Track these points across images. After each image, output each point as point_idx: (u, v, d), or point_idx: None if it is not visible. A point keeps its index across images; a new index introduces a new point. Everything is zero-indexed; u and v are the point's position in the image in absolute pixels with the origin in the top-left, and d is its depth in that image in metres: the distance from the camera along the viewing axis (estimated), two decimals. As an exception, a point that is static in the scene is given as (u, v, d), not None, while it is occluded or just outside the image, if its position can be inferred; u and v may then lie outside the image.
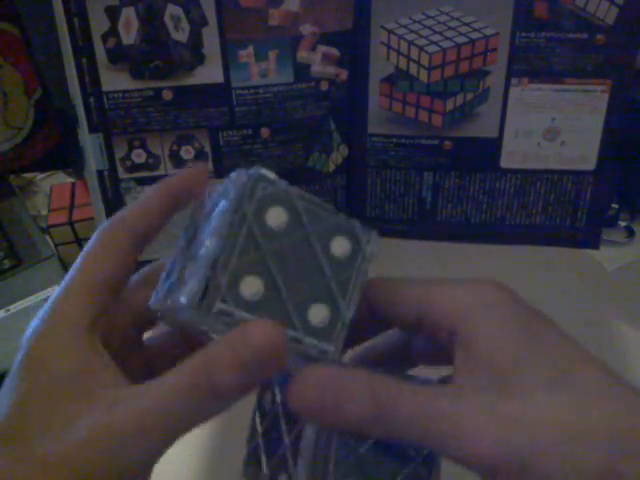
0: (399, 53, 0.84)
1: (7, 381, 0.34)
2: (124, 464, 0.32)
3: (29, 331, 0.35)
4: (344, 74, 0.84)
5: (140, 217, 0.39)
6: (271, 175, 0.37)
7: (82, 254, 0.37)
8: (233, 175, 0.37)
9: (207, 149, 0.82)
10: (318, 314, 0.37)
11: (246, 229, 0.35)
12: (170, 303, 0.36)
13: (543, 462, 0.32)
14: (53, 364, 0.34)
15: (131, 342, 0.41)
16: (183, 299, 0.34)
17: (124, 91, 0.78)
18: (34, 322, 0.35)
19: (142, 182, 0.82)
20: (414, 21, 0.82)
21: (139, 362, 0.41)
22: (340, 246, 0.38)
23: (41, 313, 0.35)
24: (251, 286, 0.35)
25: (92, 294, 0.36)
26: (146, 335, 0.43)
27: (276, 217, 0.36)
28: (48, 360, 0.34)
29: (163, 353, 0.43)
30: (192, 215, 0.40)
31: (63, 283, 0.36)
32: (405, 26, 0.82)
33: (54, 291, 0.37)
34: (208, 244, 0.35)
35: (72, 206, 0.95)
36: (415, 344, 0.45)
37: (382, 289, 0.41)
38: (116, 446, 0.31)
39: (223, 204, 0.35)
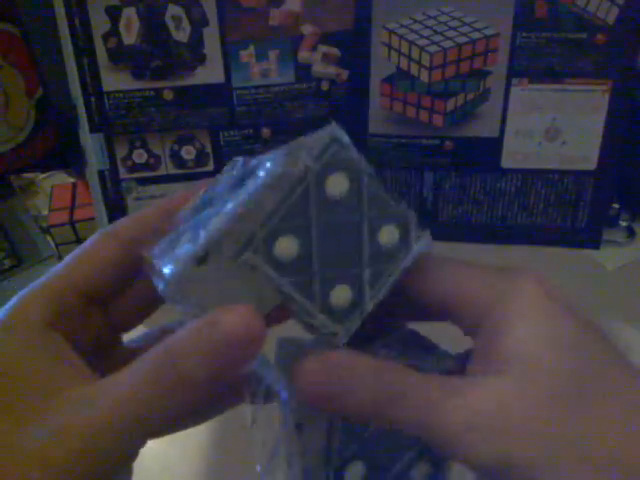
0: (400, 53, 0.84)
1: None
2: (96, 462, 0.30)
3: None
4: (345, 74, 0.84)
5: (131, 227, 0.38)
6: (345, 138, 0.35)
7: (65, 258, 0.37)
8: (302, 140, 0.35)
9: (208, 149, 0.82)
10: (340, 296, 0.35)
11: (302, 187, 0.33)
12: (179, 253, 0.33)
13: None
14: (11, 365, 0.32)
15: (108, 346, 0.39)
16: (176, 260, 0.32)
17: (125, 91, 0.78)
18: None
19: (143, 182, 0.82)
20: (415, 21, 0.82)
21: (117, 365, 0.39)
22: (389, 235, 0.36)
23: (4, 307, 0.35)
24: (286, 247, 0.33)
25: (57, 292, 0.35)
26: (127, 339, 0.42)
27: (337, 185, 0.34)
28: (5, 361, 0.32)
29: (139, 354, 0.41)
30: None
31: (36, 281, 0.36)
32: (406, 26, 0.82)
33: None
34: (248, 192, 0.32)
35: (73, 206, 0.95)
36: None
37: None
38: (83, 445, 0.30)
39: (278, 157, 0.33)
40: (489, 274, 0.37)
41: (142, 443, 0.31)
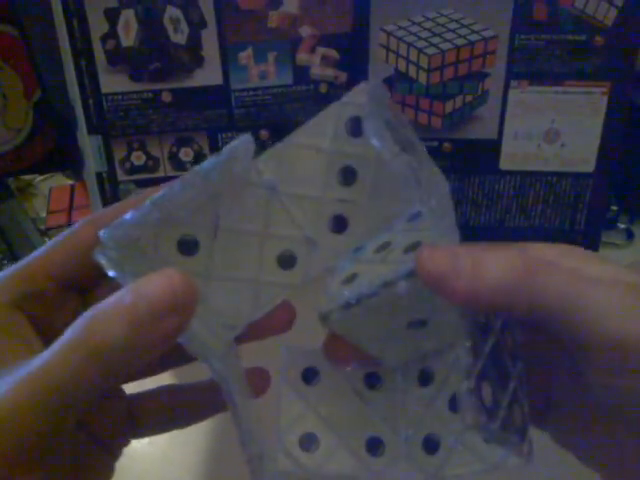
0: (398, 55, 0.84)
1: None
2: (23, 435, 0.30)
3: None
4: (343, 76, 0.83)
5: (112, 216, 0.37)
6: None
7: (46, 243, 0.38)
8: None
9: (206, 151, 0.82)
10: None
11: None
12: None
13: None
14: None
15: None
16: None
17: (123, 93, 0.78)
18: None
19: (141, 184, 0.82)
20: (413, 23, 0.82)
21: None
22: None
23: None
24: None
25: (27, 277, 0.36)
26: None
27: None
28: None
29: None
30: None
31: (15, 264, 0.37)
32: (404, 28, 0.82)
33: None
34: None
35: (71, 208, 0.95)
36: None
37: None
38: (12, 415, 0.29)
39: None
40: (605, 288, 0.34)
41: (68, 418, 0.31)
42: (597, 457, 0.37)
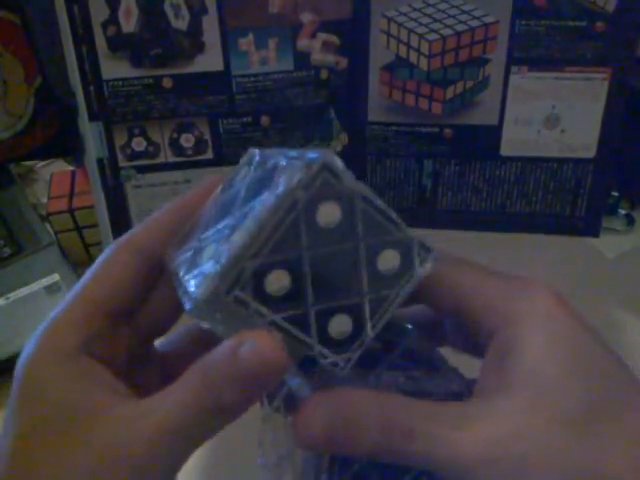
0: (399, 41, 0.83)
1: (7, 415, 0.34)
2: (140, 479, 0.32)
3: (22, 357, 0.35)
4: (344, 62, 0.83)
5: (146, 235, 0.38)
6: (338, 164, 0.33)
7: (83, 277, 0.37)
8: (292, 154, 0.34)
9: (207, 137, 0.82)
10: (339, 326, 0.34)
11: (291, 220, 0.32)
12: (185, 285, 0.34)
13: None
14: (48, 394, 0.33)
15: (140, 356, 0.40)
16: (202, 281, 0.32)
17: (124, 79, 0.78)
18: (27, 346, 0.35)
19: (142, 170, 0.82)
20: (414, 9, 0.82)
21: (153, 373, 0.41)
22: (389, 261, 0.35)
23: (34, 337, 0.35)
24: (277, 281, 0.32)
25: (84, 317, 0.36)
26: (158, 342, 0.43)
27: (329, 214, 0.32)
28: (42, 391, 0.34)
29: (177, 357, 0.42)
30: (215, 198, 0.38)
31: (59, 306, 0.36)
32: (405, 14, 0.82)
33: (57, 304, 0.37)
34: (242, 229, 0.32)
35: (72, 194, 0.95)
36: (447, 326, 0.43)
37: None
38: (125, 469, 0.31)
39: (272, 190, 0.32)
40: (506, 284, 0.37)
41: (183, 459, 0.33)
42: None
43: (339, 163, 0.33)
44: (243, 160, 0.38)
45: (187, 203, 0.39)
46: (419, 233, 0.36)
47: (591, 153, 0.86)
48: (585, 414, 0.32)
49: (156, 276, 0.39)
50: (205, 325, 0.33)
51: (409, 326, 0.41)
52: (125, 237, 0.38)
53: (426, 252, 0.36)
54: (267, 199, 0.32)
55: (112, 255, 0.38)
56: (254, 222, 0.31)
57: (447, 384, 0.38)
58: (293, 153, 0.34)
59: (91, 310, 0.36)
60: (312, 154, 0.33)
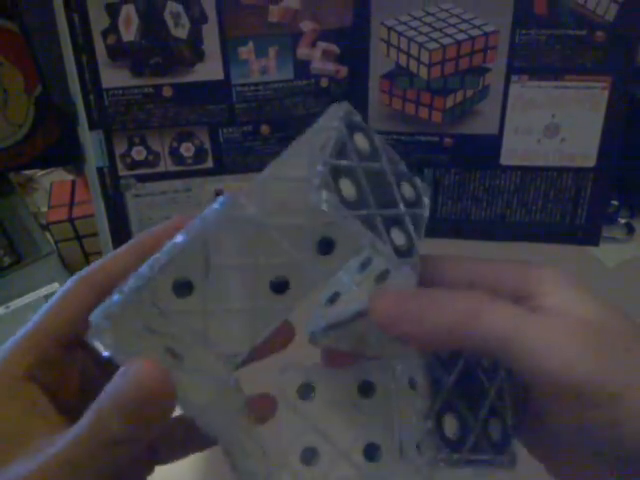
0: (399, 50, 0.84)
1: None
2: None
3: None
4: (344, 71, 0.84)
5: (104, 270, 0.39)
6: (356, 113, 0.38)
7: (42, 307, 0.39)
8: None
9: (207, 146, 0.82)
10: (399, 237, 0.37)
11: (341, 139, 0.36)
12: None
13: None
14: None
15: (95, 383, 0.39)
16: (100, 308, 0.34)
17: (124, 88, 0.78)
18: None
19: (142, 179, 0.82)
20: (414, 18, 0.82)
21: None
22: (407, 189, 0.39)
23: None
24: (348, 187, 0.35)
25: (33, 345, 0.37)
26: None
27: (362, 142, 0.37)
28: None
29: None
30: None
31: (11, 338, 0.38)
32: (405, 23, 0.82)
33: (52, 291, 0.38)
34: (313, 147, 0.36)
35: (72, 203, 0.95)
36: None
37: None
38: None
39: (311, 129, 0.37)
40: (516, 264, 0.40)
41: None
42: (560, 475, 0.40)
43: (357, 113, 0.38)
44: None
45: (147, 241, 0.40)
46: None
47: (591, 162, 0.86)
48: (622, 338, 0.35)
49: None
50: (105, 353, 0.33)
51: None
52: (85, 271, 0.40)
53: (426, 188, 0.41)
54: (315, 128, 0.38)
55: (70, 288, 0.39)
56: (318, 139, 0.36)
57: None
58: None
59: (40, 339, 0.37)
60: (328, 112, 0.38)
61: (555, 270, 0.39)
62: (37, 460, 0.32)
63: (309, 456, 0.44)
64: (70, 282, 0.39)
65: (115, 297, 0.34)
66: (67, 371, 0.39)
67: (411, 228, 0.38)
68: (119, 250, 0.40)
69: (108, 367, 0.39)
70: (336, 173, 0.34)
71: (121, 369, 0.32)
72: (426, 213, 0.40)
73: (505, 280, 0.39)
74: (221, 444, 0.37)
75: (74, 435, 0.32)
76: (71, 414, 0.36)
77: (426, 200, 0.40)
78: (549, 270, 0.39)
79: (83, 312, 0.37)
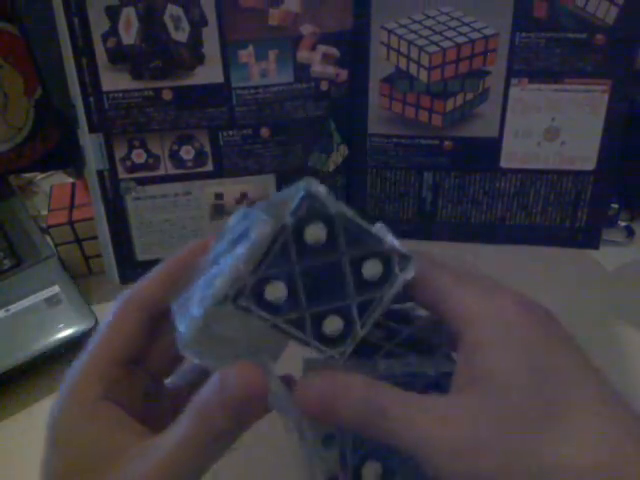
0: (399, 53, 0.84)
1: (44, 460, 0.40)
2: None
3: (52, 409, 0.41)
4: (344, 74, 0.84)
5: (149, 289, 0.45)
6: (321, 191, 0.38)
7: (98, 331, 0.44)
8: (283, 192, 0.39)
9: (207, 149, 0.82)
10: (332, 326, 0.40)
11: (282, 242, 0.37)
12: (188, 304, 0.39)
13: None
14: (76, 441, 0.40)
15: (154, 395, 0.46)
16: (212, 292, 0.37)
17: (124, 91, 0.78)
18: (56, 401, 0.42)
19: (142, 182, 0.82)
20: (414, 21, 0.82)
21: (167, 409, 0.46)
22: (372, 269, 0.40)
23: (61, 389, 0.42)
24: (275, 291, 0.38)
25: (103, 370, 0.42)
26: (167, 380, 0.49)
27: (315, 234, 0.38)
28: (71, 438, 0.40)
29: (185, 392, 0.46)
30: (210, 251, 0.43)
31: (79, 361, 0.43)
32: (405, 26, 0.82)
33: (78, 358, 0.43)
34: (241, 249, 0.37)
35: (72, 206, 0.95)
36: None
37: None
38: None
39: (263, 216, 0.38)
40: (476, 290, 0.41)
41: None
42: None
43: (322, 189, 0.38)
44: (231, 219, 0.42)
45: (183, 257, 0.45)
46: (407, 243, 0.41)
47: (591, 165, 0.86)
48: (534, 405, 0.36)
49: (160, 323, 0.45)
50: (196, 361, 0.39)
51: (418, 313, 0.46)
52: (131, 293, 0.45)
53: (406, 260, 0.40)
54: (260, 226, 0.37)
55: (120, 311, 0.44)
56: (251, 244, 0.37)
57: (439, 367, 0.43)
58: (276, 196, 0.41)
59: (108, 363, 0.42)
60: (296, 186, 0.38)
61: (505, 308, 0.39)
62: (147, 464, 0.37)
63: None
64: (118, 305, 0.44)
65: (195, 311, 0.38)
66: (131, 388, 0.43)
67: (354, 314, 0.40)
68: (158, 268, 0.45)
69: (162, 383, 0.48)
70: (260, 283, 0.38)
71: (218, 373, 0.37)
72: (392, 289, 0.41)
73: (458, 312, 0.40)
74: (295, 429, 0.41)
75: (178, 435, 0.37)
76: (146, 423, 0.41)
77: (401, 276, 0.41)
78: (500, 305, 0.40)
79: (136, 332, 0.44)
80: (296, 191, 0.38)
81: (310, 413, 0.40)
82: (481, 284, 0.41)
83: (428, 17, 0.82)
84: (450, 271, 0.42)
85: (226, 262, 0.38)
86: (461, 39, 0.82)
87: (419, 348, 0.45)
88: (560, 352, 0.38)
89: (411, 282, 0.41)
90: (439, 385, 0.42)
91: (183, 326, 0.38)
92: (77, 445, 0.39)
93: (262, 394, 0.36)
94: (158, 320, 0.44)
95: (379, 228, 0.41)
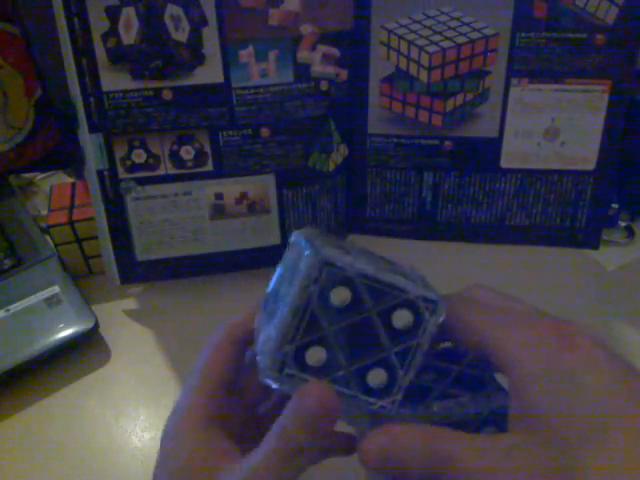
0: (399, 53, 0.84)
1: (156, 465, 0.46)
2: None
3: (167, 425, 0.47)
4: (344, 74, 0.84)
5: (240, 329, 0.49)
6: (336, 256, 0.40)
7: (200, 361, 0.49)
8: (305, 255, 0.41)
9: (207, 149, 0.82)
10: (376, 377, 0.41)
11: (311, 309, 0.40)
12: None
13: None
14: (182, 456, 0.44)
15: (248, 419, 0.51)
16: (262, 366, 0.41)
17: (124, 91, 0.78)
18: (168, 422, 0.47)
19: (142, 182, 0.82)
20: (414, 21, 0.82)
21: (258, 431, 0.47)
22: (401, 319, 0.41)
23: (176, 408, 0.47)
24: (315, 354, 0.40)
25: (209, 397, 0.47)
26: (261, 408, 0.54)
27: (339, 296, 0.40)
28: (178, 453, 0.45)
29: (270, 418, 0.49)
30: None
31: (187, 388, 0.48)
32: (405, 26, 0.82)
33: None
34: (278, 323, 0.40)
35: (72, 206, 0.95)
36: None
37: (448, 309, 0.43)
38: None
39: (291, 288, 0.40)
40: (514, 324, 0.41)
41: None
42: None
43: (335, 253, 0.40)
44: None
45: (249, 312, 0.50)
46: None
47: (591, 165, 0.86)
48: (570, 441, 0.36)
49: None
50: (274, 386, 0.41)
51: (467, 353, 0.46)
52: (224, 331, 0.50)
53: (434, 304, 0.41)
54: (289, 296, 0.40)
55: (218, 344, 0.49)
56: (282, 321, 0.40)
57: (492, 402, 0.44)
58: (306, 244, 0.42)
59: (212, 390, 0.47)
60: (307, 251, 0.40)
61: (538, 345, 0.40)
62: (235, 478, 0.41)
63: None
64: (216, 339, 0.50)
65: (271, 345, 0.40)
66: (230, 414, 0.48)
67: (395, 363, 0.42)
68: (238, 316, 0.50)
69: (256, 410, 0.53)
70: (300, 350, 0.41)
71: (297, 394, 0.39)
72: (425, 334, 0.41)
73: (497, 354, 0.41)
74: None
75: (263, 451, 0.40)
76: (241, 445, 0.45)
77: (432, 319, 0.41)
78: (532, 343, 0.40)
79: (230, 363, 0.49)
80: (309, 264, 0.40)
81: (376, 471, 0.41)
82: (518, 317, 0.42)
83: (428, 17, 0.82)
84: (483, 307, 0.44)
85: (266, 332, 0.42)
86: (461, 39, 0.82)
87: (470, 385, 0.46)
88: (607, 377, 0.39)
89: (446, 323, 0.42)
90: (495, 420, 0.44)
91: (261, 364, 0.41)
92: (181, 461, 0.44)
93: (335, 406, 0.39)
94: (243, 354, 0.50)
95: (410, 272, 0.43)
